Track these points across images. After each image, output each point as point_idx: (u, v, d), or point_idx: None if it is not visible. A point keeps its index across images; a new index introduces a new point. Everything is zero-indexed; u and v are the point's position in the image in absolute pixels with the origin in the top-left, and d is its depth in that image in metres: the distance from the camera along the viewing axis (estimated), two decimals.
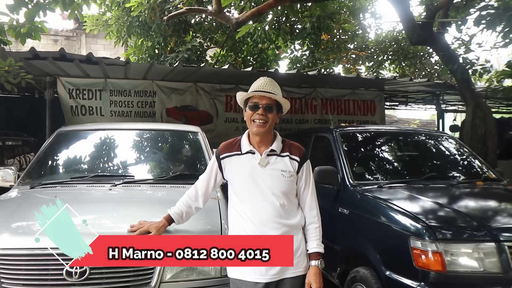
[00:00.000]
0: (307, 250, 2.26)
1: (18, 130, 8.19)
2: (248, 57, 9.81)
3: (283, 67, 11.99)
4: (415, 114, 23.71)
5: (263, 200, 2.16)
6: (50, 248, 2.27)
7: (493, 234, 2.68)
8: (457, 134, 10.09)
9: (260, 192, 2.17)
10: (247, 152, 2.24)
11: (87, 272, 2.24)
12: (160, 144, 4.22)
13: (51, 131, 6.00)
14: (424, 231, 2.70)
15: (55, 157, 3.97)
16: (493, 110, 12.54)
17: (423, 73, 10.44)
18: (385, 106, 12.06)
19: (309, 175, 2.31)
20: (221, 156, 2.31)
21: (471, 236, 2.71)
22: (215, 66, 8.59)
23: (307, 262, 2.23)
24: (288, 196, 2.20)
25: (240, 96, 2.26)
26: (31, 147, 8.17)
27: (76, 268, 2.22)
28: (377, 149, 4.59)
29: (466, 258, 2.64)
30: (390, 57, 9.95)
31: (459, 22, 6.32)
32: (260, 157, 2.21)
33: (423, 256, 2.64)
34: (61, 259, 2.24)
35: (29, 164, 3.94)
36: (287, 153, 2.24)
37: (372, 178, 4.01)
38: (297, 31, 8.25)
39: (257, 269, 2.12)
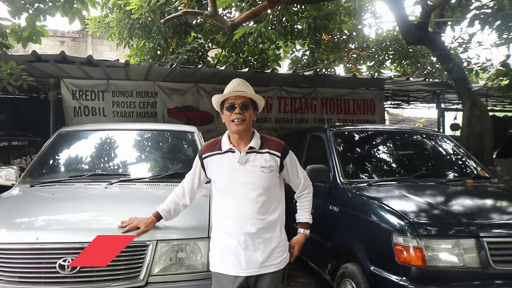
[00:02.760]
0: (297, 219, 2.49)
1: (25, 130, 8.37)
2: (249, 58, 9.90)
3: (284, 67, 12.07)
4: (421, 113, 23.54)
5: (244, 197, 2.25)
6: (45, 242, 2.41)
7: (472, 230, 2.75)
8: (458, 133, 10.11)
9: (240, 189, 2.26)
10: (227, 151, 2.33)
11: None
12: (156, 144, 4.33)
13: (55, 131, 6.15)
14: (406, 227, 2.78)
15: (55, 157, 4.10)
16: (497, 108, 12.54)
17: (424, 72, 10.45)
18: (389, 105, 12.14)
19: (295, 164, 2.43)
20: (203, 156, 2.41)
21: (451, 232, 2.78)
22: (216, 67, 8.70)
23: (286, 255, 2.33)
24: (269, 191, 2.29)
25: (216, 99, 2.36)
26: (37, 147, 8.33)
27: (69, 262, 2.34)
28: (369, 148, 4.66)
29: (446, 254, 2.72)
30: (390, 56, 9.98)
31: (455, 22, 6.36)
32: (240, 155, 2.30)
33: (404, 252, 2.73)
34: (55, 253, 2.38)
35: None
36: (267, 149, 2.32)
37: (363, 177, 4.09)
38: (296, 31, 8.32)
39: (237, 263, 2.22)
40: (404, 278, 2.71)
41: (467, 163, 4.44)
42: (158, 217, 2.53)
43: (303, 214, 2.49)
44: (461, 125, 6.93)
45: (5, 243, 2.43)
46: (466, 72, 6.62)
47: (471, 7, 6.13)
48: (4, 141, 6.86)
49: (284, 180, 2.46)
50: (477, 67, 7.01)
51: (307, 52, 9.99)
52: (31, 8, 4.29)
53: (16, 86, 4.76)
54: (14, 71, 4.62)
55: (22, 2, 3.97)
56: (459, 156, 4.55)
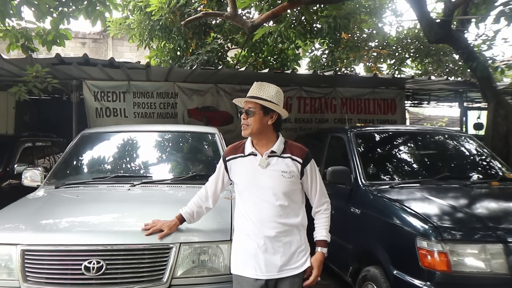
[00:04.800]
0: (314, 238, 2.39)
1: (48, 131, 8.54)
2: (269, 58, 9.88)
3: (303, 66, 11.99)
4: (443, 112, 23.03)
5: (263, 200, 2.25)
6: (70, 244, 2.45)
7: (500, 235, 2.69)
8: (481, 132, 9.89)
9: (260, 192, 2.26)
10: (249, 154, 2.35)
11: (104, 267, 2.38)
12: (177, 145, 4.37)
13: (77, 132, 6.26)
14: (430, 231, 2.73)
15: (79, 158, 4.19)
16: None
17: (446, 70, 10.25)
18: (410, 104, 11.96)
19: (315, 174, 2.39)
20: (226, 158, 2.43)
21: (477, 236, 2.72)
22: (236, 67, 8.72)
23: (306, 259, 2.32)
24: (289, 196, 2.28)
25: (237, 103, 2.41)
26: (60, 147, 8.49)
27: (94, 264, 2.38)
28: (391, 149, 4.60)
29: (472, 259, 2.66)
30: (411, 54, 9.81)
31: (479, 19, 6.21)
32: (261, 158, 2.30)
33: (429, 256, 2.68)
34: (80, 255, 2.42)
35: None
36: (289, 154, 2.32)
37: (385, 178, 4.04)
38: (316, 30, 8.27)
39: (257, 266, 2.23)
40: (428, 283, 2.66)
41: (492, 164, 4.34)
42: (181, 219, 2.55)
43: (320, 232, 2.38)
44: (485, 125, 6.77)
45: (32, 245, 2.48)
46: (491, 70, 6.45)
47: (497, 3, 5.98)
48: (28, 141, 7.00)
49: None
50: (503, 65, 6.82)
51: (326, 51, 9.91)
52: (55, 12, 4.38)
53: (41, 89, 4.87)
54: (39, 74, 4.73)
55: (47, 6, 4.05)
56: (484, 157, 4.45)
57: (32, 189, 3.71)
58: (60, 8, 4.44)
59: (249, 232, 2.27)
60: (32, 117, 9.99)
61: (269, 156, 2.30)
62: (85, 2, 4.44)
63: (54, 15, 4.42)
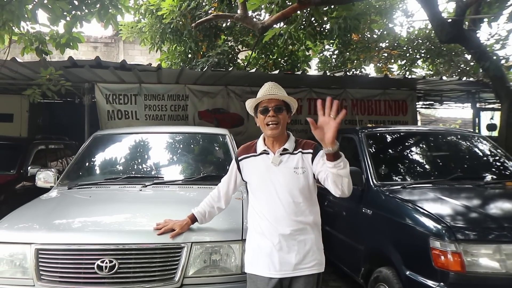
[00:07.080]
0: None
1: (60, 134, 8.64)
2: (279, 59, 9.89)
3: (313, 67, 11.98)
4: (455, 113, 22.77)
5: (277, 198, 2.25)
6: (83, 244, 2.48)
7: None
8: (495, 133, 9.77)
9: (274, 190, 2.26)
10: (262, 153, 2.35)
11: (116, 266, 2.40)
12: (189, 146, 4.40)
13: (89, 134, 6.32)
14: (443, 231, 2.71)
15: (91, 160, 4.22)
16: None
17: (458, 70, 10.16)
18: (422, 106, 11.86)
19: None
20: (239, 158, 2.44)
21: (492, 237, 2.69)
22: (246, 69, 8.75)
23: (322, 259, 2.30)
24: (303, 192, 2.27)
25: (250, 104, 2.38)
26: (72, 150, 8.58)
27: (106, 263, 2.40)
28: (402, 149, 4.56)
29: (487, 259, 2.63)
30: (422, 55, 9.74)
31: (492, 18, 6.14)
32: (274, 156, 2.30)
33: (442, 257, 2.66)
34: (93, 254, 2.44)
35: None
36: (300, 150, 2.32)
37: (396, 179, 4.01)
38: (326, 31, 8.27)
39: (271, 265, 2.22)
40: (441, 283, 2.64)
41: (506, 164, 4.28)
42: (193, 219, 2.56)
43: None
44: (499, 125, 6.68)
45: (46, 244, 2.51)
46: (504, 70, 6.38)
47: (510, 2, 5.91)
48: (41, 144, 7.08)
49: (319, 185, 2.41)
50: None
51: (336, 52, 9.90)
52: (68, 15, 4.44)
53: (55, 91, 4.94)
54: (52, 77, 4.80)
55: (61, 9, 4.11)
56: (498, 157, 4.39)
57: (46, 190, 3.75)
58: (73, 12, 4.50)
59: (263, 230, 2.26)
60: (45, 120, 10.13)
61: (281, 154, 2.31)
62: (98, 5, 4.50)
63: (68, 18, 4.48)
